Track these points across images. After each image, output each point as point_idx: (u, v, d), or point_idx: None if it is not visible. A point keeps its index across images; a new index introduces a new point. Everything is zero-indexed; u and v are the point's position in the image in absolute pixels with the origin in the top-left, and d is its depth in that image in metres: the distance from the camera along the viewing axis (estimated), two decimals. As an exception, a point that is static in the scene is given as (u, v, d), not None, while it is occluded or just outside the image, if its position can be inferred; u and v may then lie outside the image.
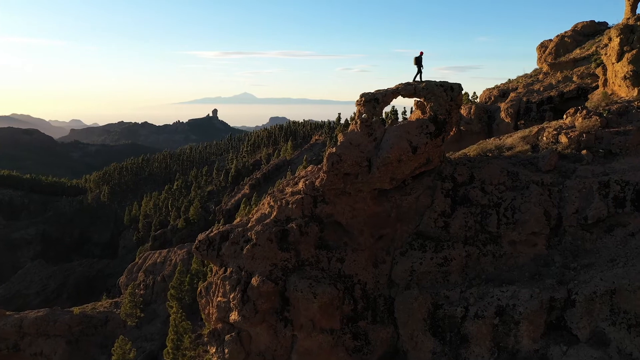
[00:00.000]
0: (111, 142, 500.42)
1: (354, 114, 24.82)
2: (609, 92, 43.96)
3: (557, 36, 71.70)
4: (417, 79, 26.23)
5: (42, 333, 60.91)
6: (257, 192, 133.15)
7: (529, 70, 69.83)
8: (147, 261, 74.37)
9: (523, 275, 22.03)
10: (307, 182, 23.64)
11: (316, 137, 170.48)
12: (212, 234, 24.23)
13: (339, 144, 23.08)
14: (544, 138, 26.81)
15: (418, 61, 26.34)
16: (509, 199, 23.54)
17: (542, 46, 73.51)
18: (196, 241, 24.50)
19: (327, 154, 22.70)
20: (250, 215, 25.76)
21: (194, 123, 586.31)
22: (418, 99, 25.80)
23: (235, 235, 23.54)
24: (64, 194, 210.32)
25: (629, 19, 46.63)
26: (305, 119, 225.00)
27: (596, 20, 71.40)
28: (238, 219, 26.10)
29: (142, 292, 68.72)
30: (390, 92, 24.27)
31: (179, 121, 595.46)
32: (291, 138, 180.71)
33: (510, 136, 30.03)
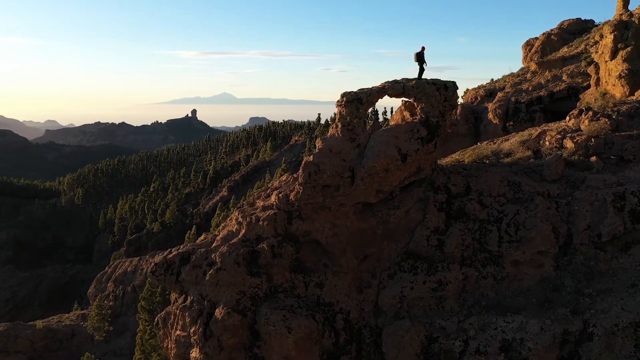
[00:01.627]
0: (87, 143, 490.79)
1: (335, 114, 21.70)
2: (603, 92, 41.76)
3: (543, 34, 69.75)
4: (420, 73, 23.03)
5: (2, 350, 56.79)
6: (235, 195, 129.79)
7: (515, 70, 67.58)
8: (117, 270, 70.50)
9: (530, 302, 19.10)
10: (280, 195, 20.43)
11: (296, 138, 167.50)
12: (170, 256, 20.89)
13: (316, 150, 19.92)
14: (547, 142, 23.95)
15: (420, 57, 23.02)
16: (511, 213, 20.60)
17: (528, 44, 71.47)
18: (152, 264, 21.18)
19: (303, 163, 19.54)
20: (216, 232, 22.50)
21: (172, 123, 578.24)
22: (407, 99, 22.78)
23: (197, 257, 20.25)
24: (36, 196, 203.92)
25: (621, 14, 44.25)
26: (285, 120, 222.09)
27: (582, 18, 69.91)
28: (202, 237, 22.81)
29: (111, 303, 64.85)
30: (376, 92, 21.18)
31: (157, 121, 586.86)
32: (270, 139, 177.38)
33: (507, 140, 27.20)
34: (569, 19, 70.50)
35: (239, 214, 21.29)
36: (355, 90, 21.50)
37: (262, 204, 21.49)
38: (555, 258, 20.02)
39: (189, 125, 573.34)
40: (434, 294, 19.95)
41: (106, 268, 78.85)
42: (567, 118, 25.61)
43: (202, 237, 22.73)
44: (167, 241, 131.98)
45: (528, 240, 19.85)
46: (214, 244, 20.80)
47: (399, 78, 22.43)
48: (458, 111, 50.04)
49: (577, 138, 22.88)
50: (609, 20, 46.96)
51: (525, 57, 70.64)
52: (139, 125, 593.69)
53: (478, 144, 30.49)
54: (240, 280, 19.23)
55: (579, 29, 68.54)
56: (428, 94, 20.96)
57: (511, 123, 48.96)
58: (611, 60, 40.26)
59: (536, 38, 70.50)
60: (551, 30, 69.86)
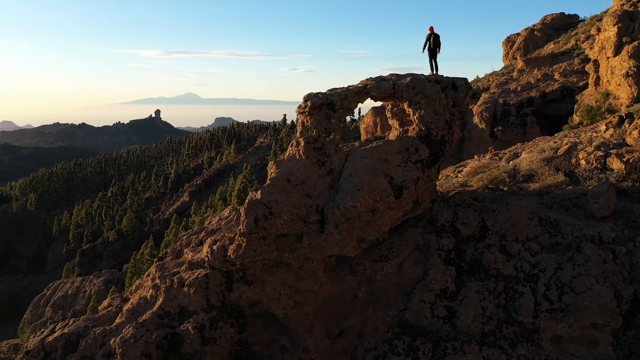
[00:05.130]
0: (46, 145, 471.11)
1: (296, 120, 15.15)
2: (605, 92, 36.33)
3: (526, 29, 65.14)
4: (434, 67, 16.87)
5: None
6: (197, 201, 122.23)
7: (497, 68, 62.41)
8: (57, 292, 62.51)
9: (585, 405, 12.93)
10: (215, 246, 13.68)
11: (261, 140, 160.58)
12: (50, 339, 13.98)
13: (268, 182, 13.27)
14: (582, 161, 17.79)
15: (435, 40, 17.06)
16: (550, 268, 14.34)
17: (509, 41, 66.60)
18: (23, 352, 14.30)
19: (247, 202, 12.86)
20: (127, 293, 15.70)
21: (135, 124, 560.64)
22: (395, 104, 16.34)
23: (89, 343, 13.39)
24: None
25: (622, 4, 38.79)
26: (251, 120, 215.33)
27: (566, 13, 66.27)
28: (107, 301, 15.90)
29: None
30: (354, 93, 14.64)
31: (119, 122, 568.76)
32: (235, 140, 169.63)
33: (518, 155, 21.08)
34: (552, 14, 66.58)
35: (157, 273, 14.47)
36: (324, 91, 14.99)
37: (190, 256, 14.72)
38: (613, 333, 13.89)
39: (153, 126, 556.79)
40: (443, 390, 13.59)
41: (44, 290, 70.57)
42: (603, 127, 19.56)
43: (107, 301, 15.81)
44: (123, 250, 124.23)
45: (578, 309, 13.63)
46: (117, 319, 13.95)
47: (376, 75, 16.05)
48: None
49: (628, 156, 16.78)
50: (606, 10, 41.83)
51: (506, 55, 65.76)
52: (100, 126, 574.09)
53: (478, 158, 24.35)
54: (152, 382, 12.50)
55: (563, 24, 64.49)
56: (429, 97, 14.53)
57: (500, 128, 43.36)
58: (614, 56, 34.97)
59: (518, 34, 65.84)
60: (534, 25, 65.32)
